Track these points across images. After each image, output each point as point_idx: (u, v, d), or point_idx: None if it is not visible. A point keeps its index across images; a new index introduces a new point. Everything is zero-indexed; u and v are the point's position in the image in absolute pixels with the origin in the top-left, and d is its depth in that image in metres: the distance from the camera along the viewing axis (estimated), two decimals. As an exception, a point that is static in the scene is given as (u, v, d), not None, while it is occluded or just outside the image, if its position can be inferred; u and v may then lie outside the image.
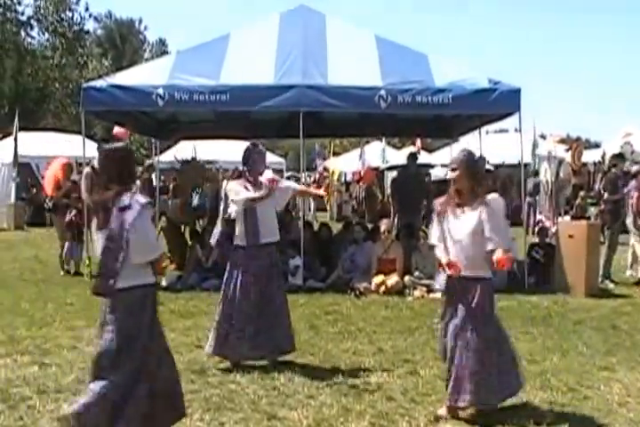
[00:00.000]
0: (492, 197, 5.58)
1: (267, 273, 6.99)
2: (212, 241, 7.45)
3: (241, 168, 7.42)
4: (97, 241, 4.70)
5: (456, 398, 5.49)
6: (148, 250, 4.59)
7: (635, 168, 13.74)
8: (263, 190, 6.96)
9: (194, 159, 15.26)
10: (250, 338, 6.87)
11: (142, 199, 4.57)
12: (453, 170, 5.60)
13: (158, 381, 4.66)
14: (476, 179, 5.60)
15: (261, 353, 7.00)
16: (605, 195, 12.49)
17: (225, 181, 14.04)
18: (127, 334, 4.59)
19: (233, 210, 7.18)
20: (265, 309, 6.95)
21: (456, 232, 5.53)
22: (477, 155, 14.91)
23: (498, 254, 5.30)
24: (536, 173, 21.71)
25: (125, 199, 4.53)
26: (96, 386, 4.58)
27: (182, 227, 14.38)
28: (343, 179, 32.37)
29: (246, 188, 7.03)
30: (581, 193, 18.46)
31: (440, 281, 11.21)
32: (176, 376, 4.88)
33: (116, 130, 16.94)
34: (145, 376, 4.61)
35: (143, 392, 4.57)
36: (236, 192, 7.03)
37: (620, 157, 13.57)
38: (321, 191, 8.90)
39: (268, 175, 7.44)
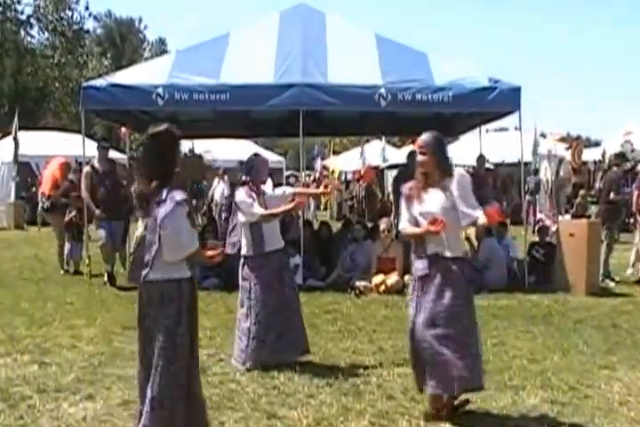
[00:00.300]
0: (458, 172, 5.52)
1: (278, 277, 7.01)
2: (228, 250, 7.44)
3: (244, 177, 7.36)
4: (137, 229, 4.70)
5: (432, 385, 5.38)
6: (178, 248, 4.45)
7: None
8: (287, 206, 6.97)
9: (191, 151, 15.23)
10: (271, 345, 6.91)
11: (178, 196, 4.42)
12: (422, 153, 5.49)
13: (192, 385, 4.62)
14: (445, 161, 5.51)
15: (282, 357, 6.98)
16: (612, 195, 12.44)
17: (217, 180, 13.95)
18: (164, 327, 4.48)
19: (241, 219, 7.17)
20: (282, 313, 6.97)
21: (426, 213, 5.42)
22: (478, 153, 14.96)
23: (481, 219, 5.28)
24: (535, 172, 21.71)
25: (163, 193, 4.43)
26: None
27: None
28: (343, 178, 32.38)
29: (252, 197, 7.01)
30: (582, 192, 18.43)
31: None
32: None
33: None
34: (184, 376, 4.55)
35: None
36: (249, 205, 6.97)
37: (621, 156, 13.57)
38: (320, 189, 8.83)
39: (269, 185, 7.45)
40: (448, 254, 5.41)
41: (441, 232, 5.29)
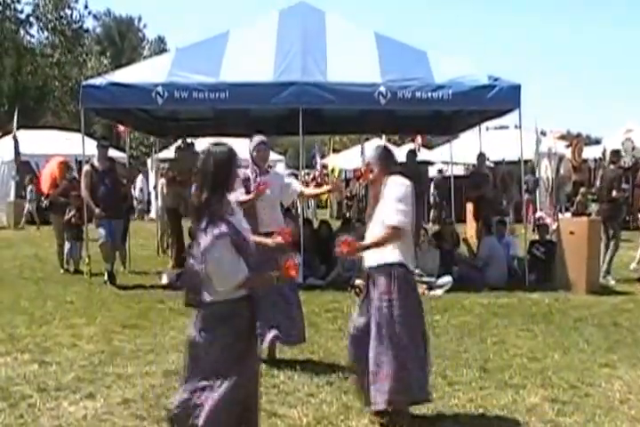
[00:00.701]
0: (391, 179, 5.41)
1: (268, 266, 6.94)
2: None
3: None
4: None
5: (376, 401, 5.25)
6: (224, 281, 4.21)
7: None
8: (250, 195, 6.96)
9: (192, 144, 15.21)
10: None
11: (216, 229, 4.12)
12: (371, 171, 5.47)
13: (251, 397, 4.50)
14: (390, 168, 5.46)
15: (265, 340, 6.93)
16: (614, 192, 12.42)
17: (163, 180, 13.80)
18: (224, 343, 4.30)
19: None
20: (272, 304, 6.92)
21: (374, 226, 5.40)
22: (478, 151, 14.93)
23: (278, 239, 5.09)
24: (532, 171, 21.70)
25: (204, 221, 4.18)
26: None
27: (181, 223, 14.35)
28: (343, 176, 32.37)
29: (248, 177, 7.06)
30: (582, 190, 18.44)
31: (443, 280, 11.22)
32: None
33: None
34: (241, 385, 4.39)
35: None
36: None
37: (617, 153, 13.56)
38: (327, 187, 8.80)
39: (281, 167, 7.49)
40: (372, 263, 5.43)
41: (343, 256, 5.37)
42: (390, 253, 5.30)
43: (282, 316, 6.92)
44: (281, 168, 7.61)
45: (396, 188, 5.33)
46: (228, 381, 4.21)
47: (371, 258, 5.41)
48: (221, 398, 4.19)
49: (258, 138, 7.26)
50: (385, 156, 5.53)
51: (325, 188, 8.86)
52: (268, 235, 6.94)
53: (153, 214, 25.22)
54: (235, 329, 4.33)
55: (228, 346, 4.29)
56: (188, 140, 15.07)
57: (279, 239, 5.02)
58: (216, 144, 4.45)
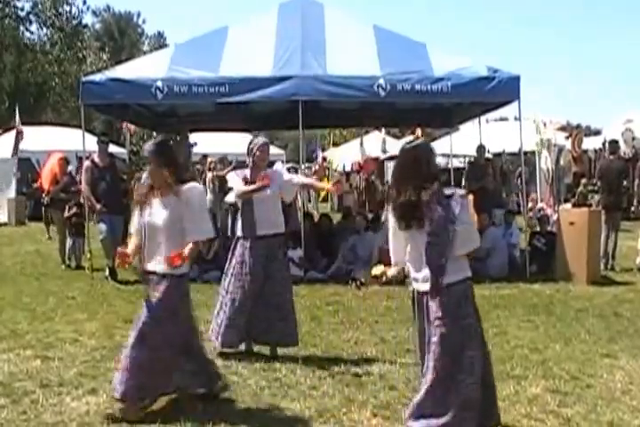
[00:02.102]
0: (188, 186, 5.37)
1: (264, 266, 6.97)
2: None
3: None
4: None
5: None
6: (472, 239, 4.64)
7: None
8: (254, 186, 6.97)
9: (186, 138, 15.23)
10: (240, 327, 6.93)
11: (461, 191, 4.64)
12: (147, 163, 5.44)
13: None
14: (171, 167, 5.35)
15: (251, 341, 7.08)
16: (624, 182, 12.44)
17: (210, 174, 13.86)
18: None
19: (231, 198, 7.28)
20: (263, 302, 6.96)
21: (153, 222, 5.35)
22: (478, 143, 14.93)
23: (186, 249, 5.23)
24: (526, 162, 21.65)
25: (446, 191, 4.57)
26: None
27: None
28: (342, 168, 32.42)
29: (246, 177, 7.05)
30: (584, 181, 18.42)
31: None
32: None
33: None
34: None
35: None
36: (231, 182, 7.20)
37: (615, 143, 13.55)
38: (328, 185, 8.78)
39: (279, 165, 7.52)
40: (155, 268, 5.39)
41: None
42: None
43: (268, 316, 6.98)
44: (279, 166, 7.63)
45: (198, 196, 5.49)
46: None
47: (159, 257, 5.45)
48: None
49: (262, 139, 7.30)
50: (163, 150, 5.52)
51: (326, 185, 8.87)
52: (264, 238, 7.01)
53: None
54: None
55: None
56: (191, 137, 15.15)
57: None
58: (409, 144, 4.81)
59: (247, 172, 7.14)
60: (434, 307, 4.56)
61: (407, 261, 4.79)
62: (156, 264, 5.36)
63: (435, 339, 4.55)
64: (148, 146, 5.49)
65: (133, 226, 5.58)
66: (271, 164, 7.51)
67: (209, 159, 15.82)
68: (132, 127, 18.89)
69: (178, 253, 5.19)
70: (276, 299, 7.00)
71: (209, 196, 13.76)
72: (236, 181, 7.10)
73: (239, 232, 7.11)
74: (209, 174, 14.15)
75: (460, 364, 4.52)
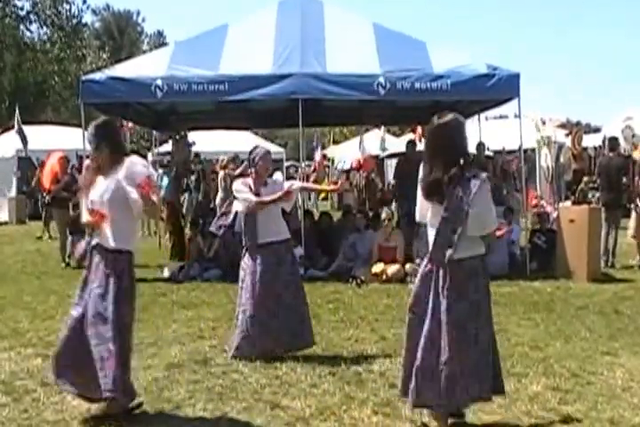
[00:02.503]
0: (129, 159, 5.28)
1: (273, 271, 6.94)
2: (212, 229, 7.43)
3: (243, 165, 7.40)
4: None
5: None
6: (486, 223, 4.83)
7: None
8: (273, 196, 6.93)
9: (185, 136, 15.21)
10: (254, 339, 6.86)
11: (483, 174, 4.84)
12: (89, 142, 5.39)
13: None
14: (111, 145, 5.29)
15: (266, 351, 6.94)
16: (624, 179, 12.43)
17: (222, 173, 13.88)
18: None
19: (237, 208, 7.23)
20: (272, 308, 6.91)
21: (97, 198, 5.24)
22: (477, 141, 14.91)
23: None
24: (524, 160, 21.62)
25: (466, 174, 4.78)
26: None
27: (181, 217, 14.39)
28: (341, 166, 32.39)
29: (248, 186, 7.03)
30: (585, 178, 18.40)
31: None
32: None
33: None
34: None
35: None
36: (241, 192, 7.04)
37: (614, 140, 13.55)
38: (331, 187, 8.77)
39: (278, 175, 7.46)
40: (109, 244, 5.24)
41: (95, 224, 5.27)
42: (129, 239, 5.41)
43: (282, 321, 6.95)
44: (278, 176, 7.69)
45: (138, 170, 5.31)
46: None
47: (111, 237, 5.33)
48: None
49: (263, 149, 7.27)
50: (107, 130, 5.43)
51: (326, 187, 8.88)
52: (266, 246, 6.98)
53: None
54: None
55: None
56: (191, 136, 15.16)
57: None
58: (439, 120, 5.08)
59: (250, 181, 7.10)
60: (442, 279, 4.77)
61: (429, 223, 4.99)
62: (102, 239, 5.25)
63: (442, 308, 4.77)
64: (89, 128, 5.40)
65: (83, 209, 5.43)
66: (270, 173, 7.50)
67: (220, 157, 15.78)
68: (130, 125, 18.85)
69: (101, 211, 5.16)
70: (294, 302, 6.99)
71: (220, 194, 13.76)
72: (245, 191, 7.02)
73: (244, 241, 7.06)
74: (220, 173, 14.12)
75: (466, 333, 4.75)
